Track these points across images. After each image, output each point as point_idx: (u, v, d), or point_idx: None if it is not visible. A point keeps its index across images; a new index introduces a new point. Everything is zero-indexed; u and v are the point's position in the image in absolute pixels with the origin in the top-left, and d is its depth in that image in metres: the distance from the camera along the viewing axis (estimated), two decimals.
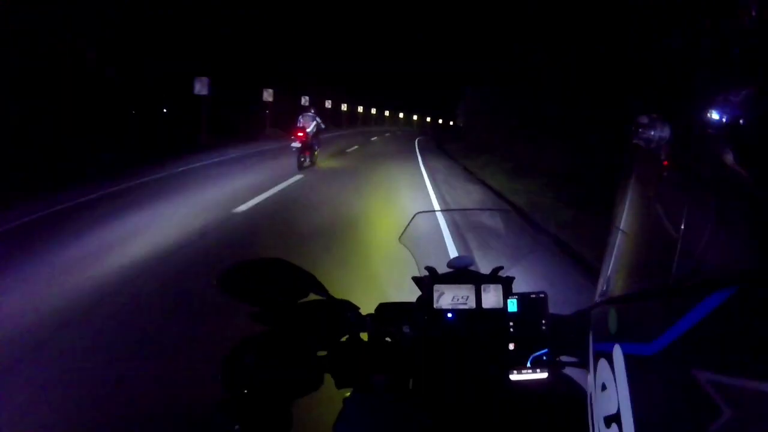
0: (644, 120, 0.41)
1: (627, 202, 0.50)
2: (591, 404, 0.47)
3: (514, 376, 0.96)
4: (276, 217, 6.66)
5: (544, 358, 0.97)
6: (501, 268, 1.05)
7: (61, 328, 3.17)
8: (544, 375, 0.96)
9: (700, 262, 0.36)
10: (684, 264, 0.36)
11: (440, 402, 0.91)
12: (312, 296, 0.92)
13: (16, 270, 4.18)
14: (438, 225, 5.57)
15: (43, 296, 3.65)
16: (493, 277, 1.02)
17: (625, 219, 0.50)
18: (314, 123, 11.06)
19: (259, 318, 0.87)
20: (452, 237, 5.37)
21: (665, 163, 0.42)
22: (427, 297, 0.98)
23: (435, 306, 0.97)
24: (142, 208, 6.76)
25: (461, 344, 0.95)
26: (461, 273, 1.02)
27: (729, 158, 0.34)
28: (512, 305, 0.98)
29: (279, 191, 8.44)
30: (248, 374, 0.79)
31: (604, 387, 0.43)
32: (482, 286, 0.99)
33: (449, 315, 0.97)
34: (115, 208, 6.63)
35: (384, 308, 1.00)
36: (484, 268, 1.10)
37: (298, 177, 9.93)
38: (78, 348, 2.95)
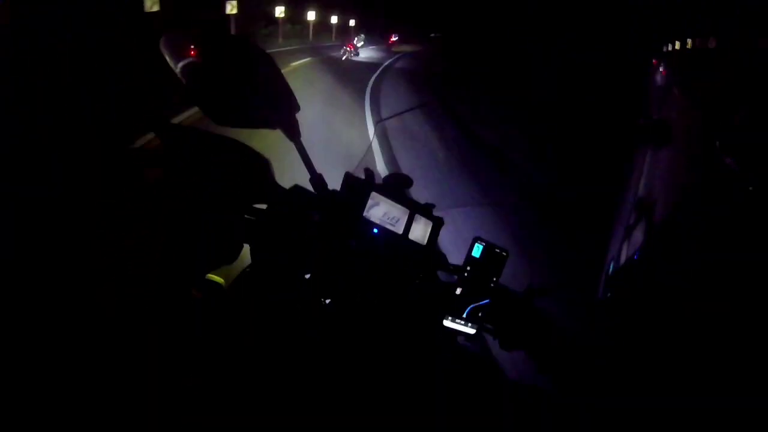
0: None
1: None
2: None
3: (448, 323, 0.94)
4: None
5: (480, 314, 0.95)
6: (433, 206, 0.95)
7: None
8: (473, 331, 0.96)
9: None
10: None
11: (349, 317, 0.84)
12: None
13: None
14: None
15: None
16: (427, 212, 0.93)
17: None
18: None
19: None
20: None
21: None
22: (357, 201, 0.86)
23: (365, 214, 0.86)
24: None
25: (385, 266, 0.87)
26: (397, 192, 0.91)
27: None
28: (477, 251, 0.95)
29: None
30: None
31: None
32: (415, 216, 0.91)
33: (375, 230, 0.87)
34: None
35: (298, 191, 0.87)
36: None
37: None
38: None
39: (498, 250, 0.97)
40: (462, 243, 0.99)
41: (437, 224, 0.93)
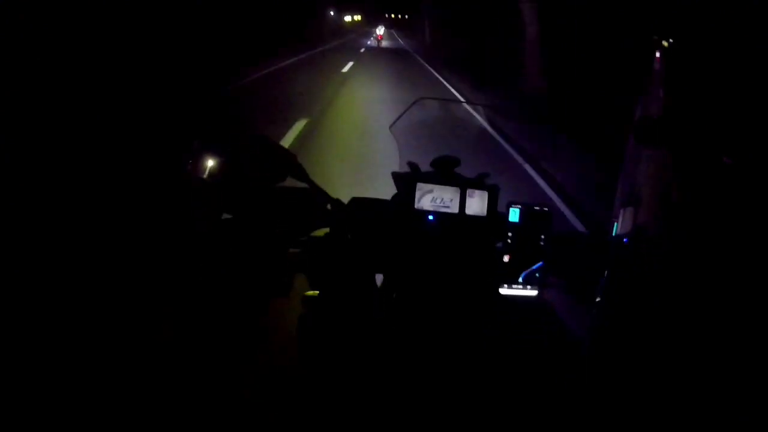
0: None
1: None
2: None
3: (505, 290, 0.93)
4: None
5: (537, 275, 0.94)
6: (487, 174, 0.95)
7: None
8: (534, 293, 0.94)
9: None
10: None
11: (417, 305, 0.87)
12: (290, 181, 0.87)
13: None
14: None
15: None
16: (480, 183, 0.93)
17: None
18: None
19: (228, 205, 0.82)
20: None
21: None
22: (406, 195, 0.90)
23: (416, 206, 0.90)
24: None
25: (444, 250, 0.90)
26: (445, 174, 0.93)
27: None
28: (514, 215, 0.93)
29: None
30: (214, 276, 0.78)
31: None
32: (467, 191, 0.91)
33: (430, 217, 0.90)
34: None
35: (357, 203, 0.93)
36: None
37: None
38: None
39: (537, 209, 0.94)
40: None
41: (493, 192, 0.92)
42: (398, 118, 1.05)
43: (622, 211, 0.93)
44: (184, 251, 0.80)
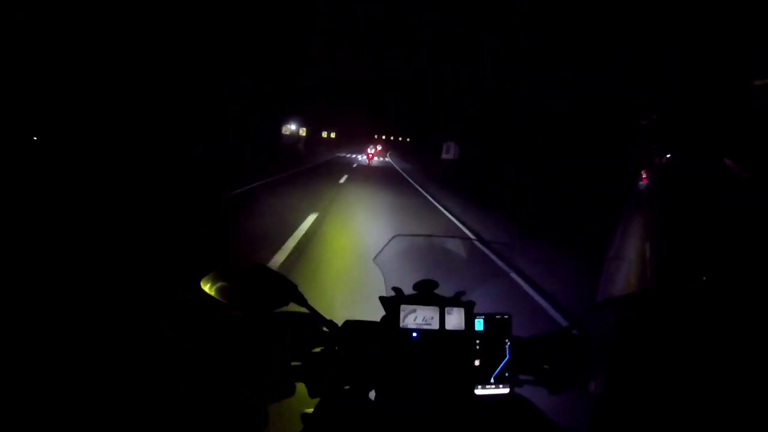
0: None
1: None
2: None
3: (479, 391, 1.04)
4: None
5: (506, 374, 1.05)
6: (463, 293, 1.09)
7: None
8: (506, 390, 1.05)
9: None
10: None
11: (405, 414, 0.94)
12: (291, 305, 0.98)
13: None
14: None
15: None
16: (456, 301, 1.06)
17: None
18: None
19: (239, 326, 0.92)
20: None
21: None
22: (392, 317, 1.02)
23: (401, 325, 1.01)
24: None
25: (426, 362, 1.00)
26: (426, 295, 1.06)
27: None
28: (479, 324, 1.06)
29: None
30: (227, 380, 0.86)
31: None
32: (446, 309, 1.03)
33: (414, 335, 1.00)
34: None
35: (350, 325, 1.03)
36: None
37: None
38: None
39: (498, 317, 1.07)
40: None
41: (469, 308, 1.05)
42: (379, 252, 1.19)
43: (601, 311, 1.04)
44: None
